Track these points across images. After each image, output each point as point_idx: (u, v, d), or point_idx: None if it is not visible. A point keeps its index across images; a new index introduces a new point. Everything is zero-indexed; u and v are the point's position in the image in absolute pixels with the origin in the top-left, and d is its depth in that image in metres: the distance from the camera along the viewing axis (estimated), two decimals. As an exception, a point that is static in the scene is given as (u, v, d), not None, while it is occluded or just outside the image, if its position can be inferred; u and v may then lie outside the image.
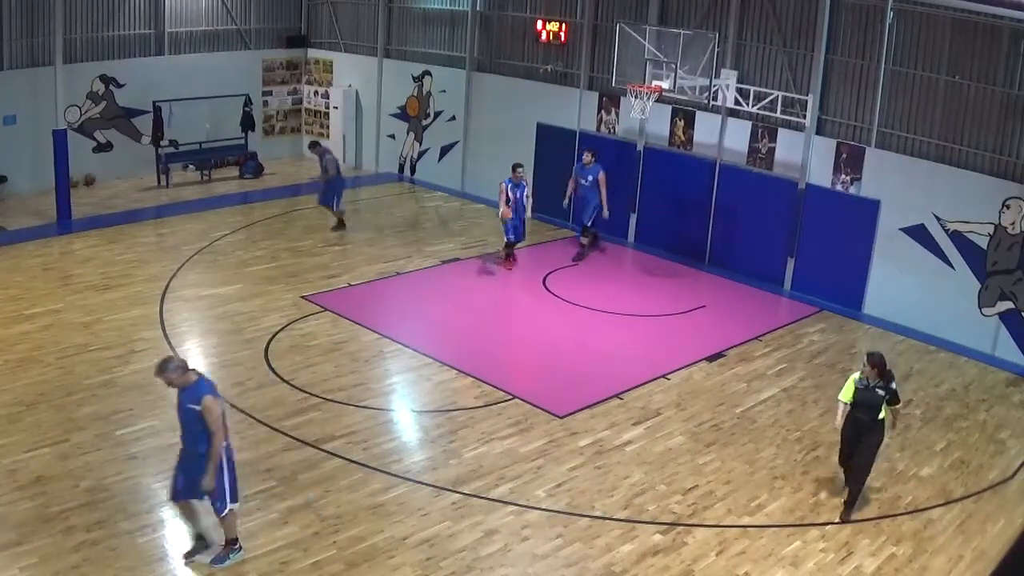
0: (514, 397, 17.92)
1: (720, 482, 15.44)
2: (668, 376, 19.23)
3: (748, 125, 24.96)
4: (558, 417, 17.25)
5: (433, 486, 14.89)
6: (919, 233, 22.22)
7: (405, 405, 17.93)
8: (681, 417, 17.55)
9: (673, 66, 23.09)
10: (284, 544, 13.30)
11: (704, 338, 21.20)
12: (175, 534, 13.53)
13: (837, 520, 14.50)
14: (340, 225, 27.83)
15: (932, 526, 14.62)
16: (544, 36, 29.14)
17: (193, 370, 12.56)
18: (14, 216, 28.30)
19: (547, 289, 23.72)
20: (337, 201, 27.71)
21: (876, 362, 14.09)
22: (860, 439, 14.38)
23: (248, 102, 34.74)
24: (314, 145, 28.51)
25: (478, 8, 31.22)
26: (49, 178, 28.27)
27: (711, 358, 20.20)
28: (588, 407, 17.70)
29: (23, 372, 18.27)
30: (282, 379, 18.32)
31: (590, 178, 25.41)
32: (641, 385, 18.75)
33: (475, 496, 14.67)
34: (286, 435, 16.18)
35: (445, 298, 22.82)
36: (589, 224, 26.00)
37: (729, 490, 15.22)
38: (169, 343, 19.75)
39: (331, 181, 27.56)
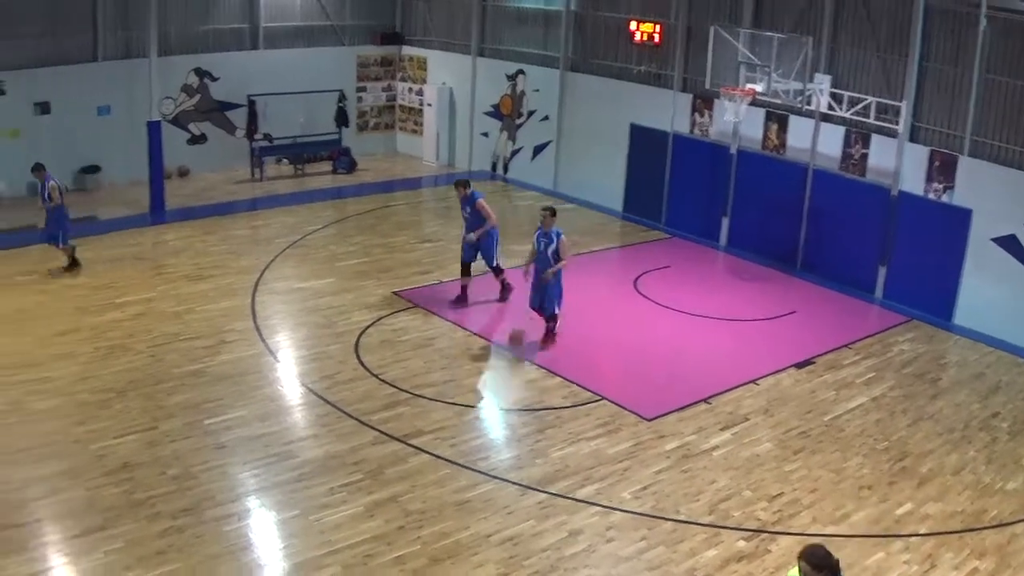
0: (602, 398, 17.91)
1: (806, 490, 15.29)
2: (757, 382, 19.08)
3: (841, 130, 24.63)
4: (646, 419, 17.21)
5: (519, 484, 14.94)
6: (1010, 244, 21.78)
7: (493, 403, 18.02)
8: (769, 423, 17.41)
9: (767, 69, 22.98)
10: (369, 537, 13.42)
11: (794, 344, 21.01)
12: (262, 524, 13.79)
13: (922, 532, 14.30)
14: (74, 263, 23.95)
15: (1016, 541, 14.30)
16: (638, 37, 29.07)
17: None
18: (107, 205, 29.06)
19: (638, 291, 23.67)
20: (64, 235, 23.82)
21: (817, 563, 9.02)
22: None
23: (342, 98, 35.16)
24: (38, 168, 24.48)
25: (572, 7, 31.23)
26: (142, 169, 28.92)
27: (800, 365, 20.01)
28: (676, 410, 17.63)
29: (114, 359, 18.74)
30: (372, 373, 18.50)
31: (468, 209, 22.26)
32: (730, 390, 18.62)
33: (561, 496, 14.69)
34: (375, 429, 16.33)
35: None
36: (494, 265, 22.61)
37: (815, 498, 15.06)
38: (260, 334, 20.10)
39: (56, 210, 23.72)
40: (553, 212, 20.35)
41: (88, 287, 22.57)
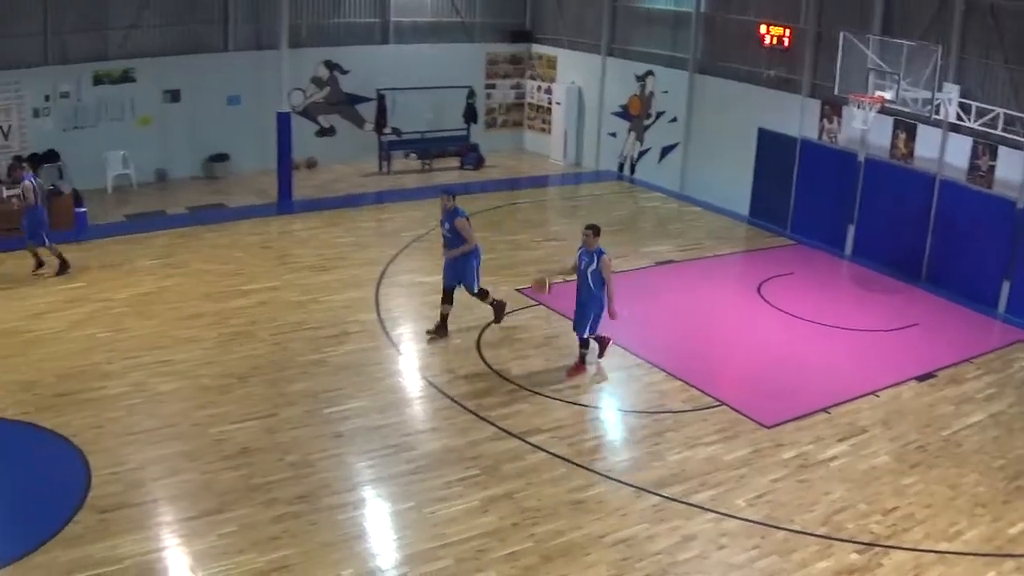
0: (721, 403, 17.64)
1: (921, 505, 14.85)
2: (877, 393, 18.62)
3: (969, 141, 23.96)
4: (764, 427, 16.90)
5: (634, 487, 14.76)
6: None
7: (612, 404, 17.84)
8: (887, 436, 16.95)
9: (896, 77, 22.45)
10: (482, 532, 13.37)
11: (915, 357, 20.45)
12: (376, 514, 13.85)
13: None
14: (64, 265, 23.24)
15: None
16: (767, 40, 28.65)
17: None
18: (235, 194, 29.67)
19: (761, 297, 23.30)
20: (47, 235, 23.15)
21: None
22: None
23: (471, 94, 35.25)
24: (16, 166, 24.24)
25: (702, 9, 30.92)
26: (271, 158, 29.43)
27: (921, 378, 19.46)
28: (795, 419, 17.26)
29: (237, 346, 19.08)
30: (492, 369, 18.47)
31: (447, 225, 19.77)
32: (849, 401, 18.17)
33: (675, 500, 14.48)
34: (493, 425, 16.29)
35: (659, 300, 22.63)
36: (476, 291, 20.23)
37: (929, 514, 14.63)
38: (383, 326, 20.24)
39: (32, 211, 22.94)
40: (596, 231, 18.49)
41: (215, 274, 23.02)
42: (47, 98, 30.17)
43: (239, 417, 16.13)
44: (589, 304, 18.18)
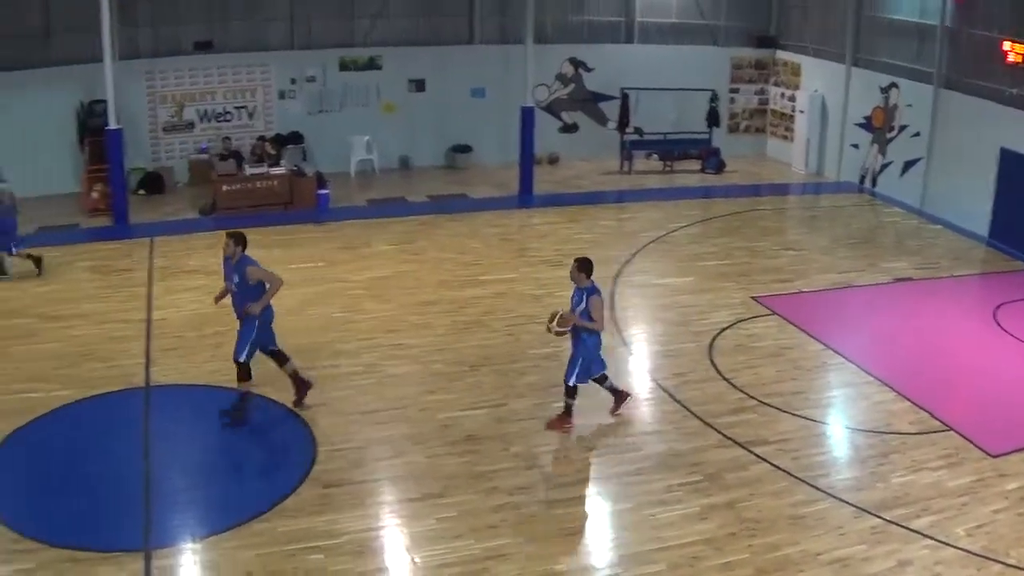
0: (949, 428, 16.97)
1: None
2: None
3: None
4: (990, 456, 16.20)
5: (855, 506, 14.33)
6: None
7: (839, 420, 17.39)
8: (1119, 475, 16.10)
9: None
10: (699, 540, 13.19)
11: None
12: (595, 511, 13.86)
13: None
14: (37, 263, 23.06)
15: None
16: (1011, 58, 27.49)
17: None
18: (477, 185, 30.29)
19: (997, 322, 22.33)
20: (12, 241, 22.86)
21: None
22: None
23: (715, 97, 34.96)
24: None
25: (947, 23, 29.88)
26: (513, 152, 29.88)
27: None
28: (1022, 450, 16.56)
29: (470, 335, 19.44)
30: (723, 376, 18.24)
31: (236, 279, 15.92)
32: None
33: (895, 524, 14.00)
34: (719, 432, 16.08)
35: (893, 317, 21.92)
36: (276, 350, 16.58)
37: None
38: (616, 326, 20.17)
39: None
40: (582, 265, 15.99)
41: (453, 263, 23.56)
42: (293, 81, 31.47)
43: (467, 405, 16.42)
44: (576, 348, 15.86)
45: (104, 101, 26.88)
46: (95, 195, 28.15)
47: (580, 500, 14.03)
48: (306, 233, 25.33)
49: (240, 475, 14.93)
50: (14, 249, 22.85)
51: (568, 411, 16.00)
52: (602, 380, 16.23)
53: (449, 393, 16.85)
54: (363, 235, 25.64)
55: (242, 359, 15.88)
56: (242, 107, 31.69)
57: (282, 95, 31.77)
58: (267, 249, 23.75)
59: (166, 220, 27.63)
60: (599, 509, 13.92)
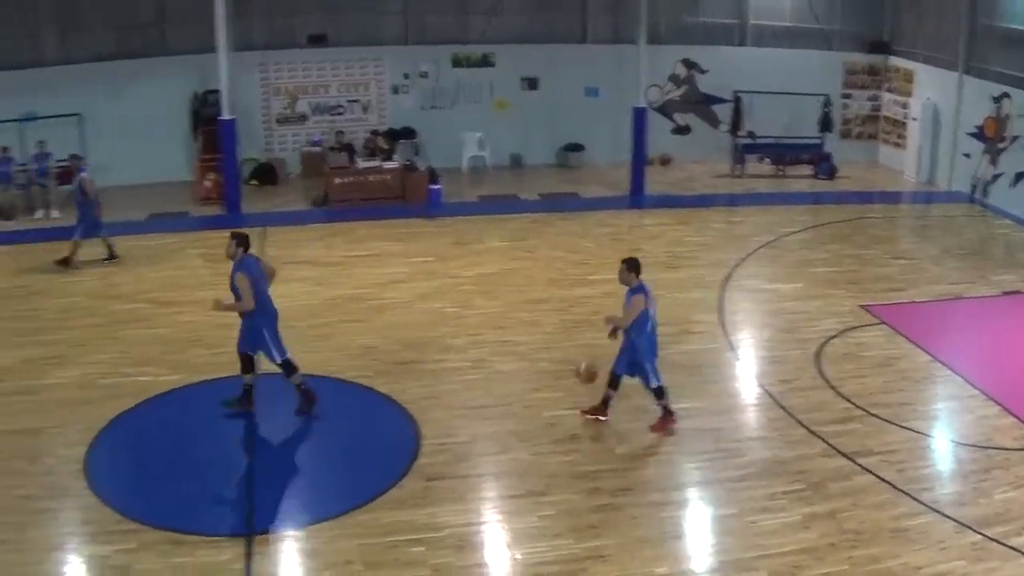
0: (1053, 446, 16.69)
1: None
2: None
3: None
4: (1092, 476, 15.89)
5: (957, 521, 14.08)
6: None
7: (944, 433, 17.11)
8: None
9: None
10: (799, 548, 13.03)
11: None
12: (697, 516, 13.81)
13: None
14: (66, 261, 23.32)
15: None
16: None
17: None
18: (588, 184, 30.46)
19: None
20: (81, 230, 23.34)
21: None
22: None
23: (828, 103, 34.56)
24: (74, 157, 24.57)
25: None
26: (624, 152, 29.88)
27: None
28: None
29: (578, 333, 19.44)
30: (829, 385, 18.02)
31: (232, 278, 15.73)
32: None
33: (996, 541, 13.73)
34: (824, 441, 15.89)
35: (1001, 331, 21.49)
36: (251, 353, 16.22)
37: None
38: (724, 329, 20.12)
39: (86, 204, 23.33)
40: (631, 265, 15.82)
41: (563, 261, 23.66)
42: (406, 76, 31.73)
43: (572, 404, 16.34)
44: (635, 352, 15.66)
45: (218, 91, 27.42)
46: (207, 184, 28.70)
47: (682, 504, 13.96)
48: (418, 228, 25.57)
49: (344, 465, 15.06)
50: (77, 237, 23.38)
51: (668, 412, 15.90)
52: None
53: (555, 391, 16.85)
54: (474, 231, 25.89)
55: (280, 359, 15.94)
56: (355, 101, 32.07)
57: (395, 90, 32.12)
58: (379, 242, 24.12)
59: (278, 211, 28.09)
60: (701, 514, 13.85)
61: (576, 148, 32.77)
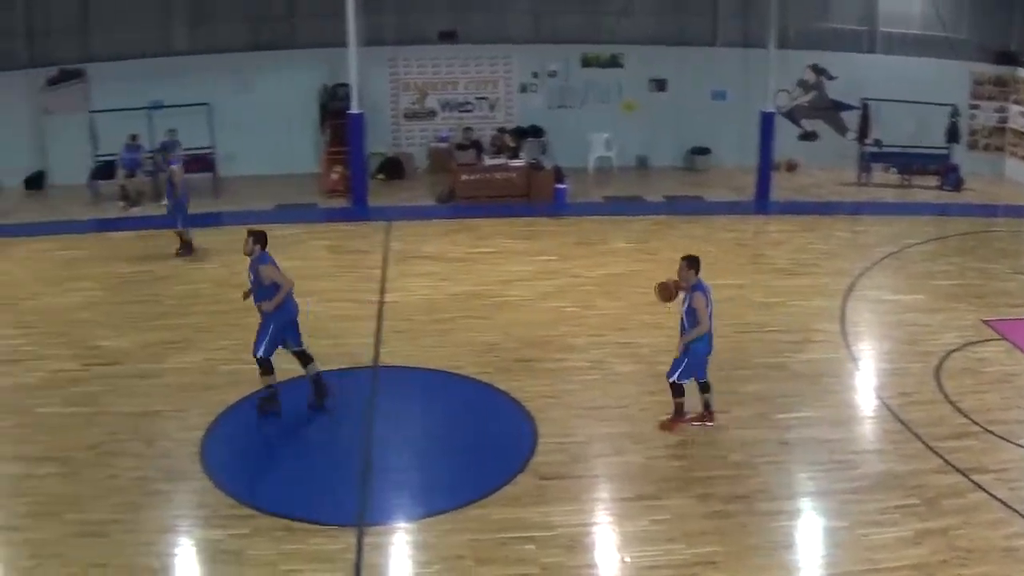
0: None
1: None
2: None
3: None
4: None
5: (1068, 543, 13.98)
6: None
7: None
8: None
9: None
10: (910, 564, 12.89)
11: None
12: (808, 527, 13.75)
13: None
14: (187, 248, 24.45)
15: None
16: None
17: None
18: (713, 188, 30.50)
19: None
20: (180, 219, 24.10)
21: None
22: None
23: (955, 113, 34.04)
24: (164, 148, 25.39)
25: None
26: (751, 157, 29.76)
27: None
28: None
29: (698, 338, 19.29)
30: (948, 399, 17.80)
31: (252, 276, 16.11)
32: None
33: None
34: (940, 457, 15.75)
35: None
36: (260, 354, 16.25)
37: None
38: (845, 339, 19.95)
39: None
40: (690, 263, 15.68)
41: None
42: (535, 75, 31.95)
43: (689, 408, 16.19)
44: (684, 351, 15.64)
45: (347, 85, 27.92)
46: (334, 176, 29.24)
47: (794, 514, 13.91)
48: (542, 226, 25.78)
49: (459, 460, 15.26)
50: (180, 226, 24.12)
51: (679, 410, 15.99)
52: (704, 388, 16.06)
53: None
54: (599, 231, 26.03)
55: (259, 355, 16.00)
56: (483, 98, 32.41)
57: (523, 88, 32.36)
58: (503, 240, 24.37)
59: (403, 205, 28.55)
60: (813, 524, 13.80)
61: (702, 151, 32.74)
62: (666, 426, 15.98)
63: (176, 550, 13.02)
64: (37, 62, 30.99)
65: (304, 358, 16.49)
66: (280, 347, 16.14)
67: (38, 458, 15.06)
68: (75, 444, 15.46)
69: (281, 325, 16.01)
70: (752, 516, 13.64)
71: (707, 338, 15.66)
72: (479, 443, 15.69)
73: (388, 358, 18.43)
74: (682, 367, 15.66)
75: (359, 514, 13.56)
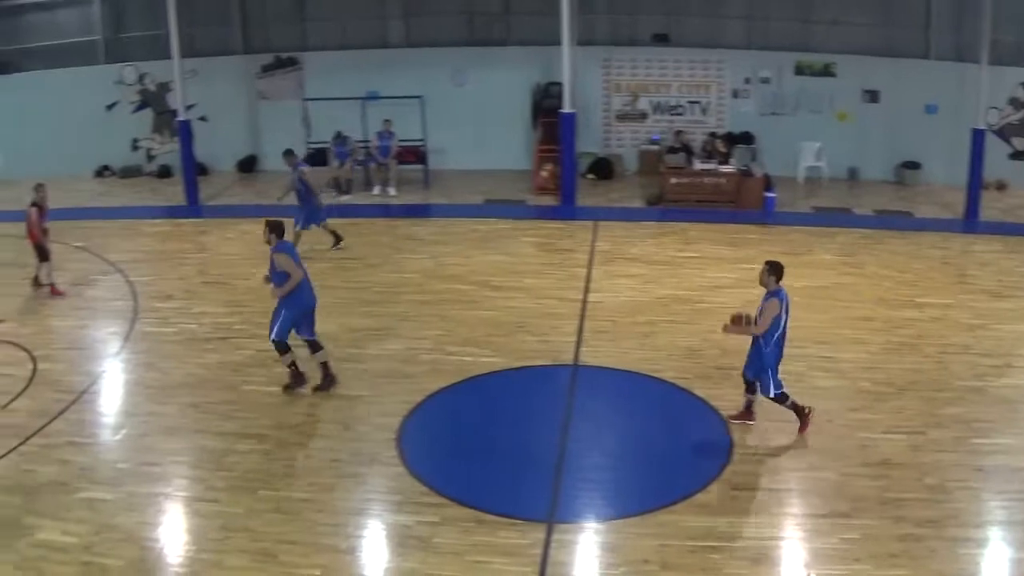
0: None
1: None
2: None
3: None
4: None
5: None
6: None
7: None
8: None
9: None
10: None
11: None
12: (996, 556, 13.43)
13: None
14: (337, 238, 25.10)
15: None
16: None
17: None
18: (922, 204, 29.85)
19: None
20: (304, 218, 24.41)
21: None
22: None
23: None
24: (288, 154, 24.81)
25: None
26: (961, 174, 29.02)
27: None
28: None
29: (900, 356, 19.13)
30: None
31: (270, 264, 16.98)
32: None
33: None
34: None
35: None
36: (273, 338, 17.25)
37: None
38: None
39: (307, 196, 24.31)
40: (771, 268, 15.68)
41: (892, 280, 23.26)
42: (747, 80, 31.90)
43: (887, 427, 16.25)
44: (761, 359, 15.74)
45: (560, 83, 28.31)
46: (544, 174, 29.71)
47: (983, 542, 13.64)
48: (749, 234, 25.74)
49: (653, 464, 15.44)
50: (311, 226, 24.44)
51: (799, 413, 16.00)
52: (752, 388, 16.14)
53: (872, 413, 16.72)
54: (806, 242, 25.89)
55: (273, 338, 16.83)
56: (695, 102, 32.53)
57: (735, 94, 32.32)
58: (710, 245, 24.41)
59: (612, 206, 28.86)
60: (1000, 554, 13.48)
61: (913, 166, 32.14)
62: (740, 417, 16.34)
63: (364, 532, 13.63)
64: (254, 48, 32.19)
65: (314, 347, 17.31)
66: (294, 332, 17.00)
67: (239, 434, 15.98)
68: (275, 423, 16.34)
69: (295, 313, 16.82)
70: (941, 541, 13.44)
71: (777, 346, 15.68)
72: (674, 448, 15.85)
73: (588, 357, 18.75)
74: (772, 382, 15.70)
75: (549, 511, 13.85)
